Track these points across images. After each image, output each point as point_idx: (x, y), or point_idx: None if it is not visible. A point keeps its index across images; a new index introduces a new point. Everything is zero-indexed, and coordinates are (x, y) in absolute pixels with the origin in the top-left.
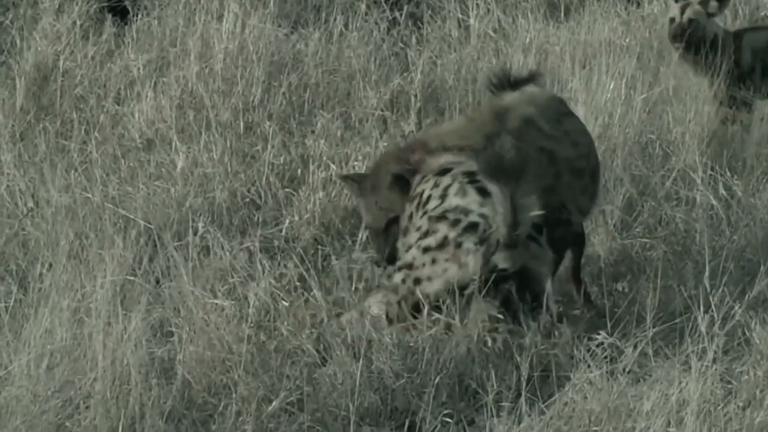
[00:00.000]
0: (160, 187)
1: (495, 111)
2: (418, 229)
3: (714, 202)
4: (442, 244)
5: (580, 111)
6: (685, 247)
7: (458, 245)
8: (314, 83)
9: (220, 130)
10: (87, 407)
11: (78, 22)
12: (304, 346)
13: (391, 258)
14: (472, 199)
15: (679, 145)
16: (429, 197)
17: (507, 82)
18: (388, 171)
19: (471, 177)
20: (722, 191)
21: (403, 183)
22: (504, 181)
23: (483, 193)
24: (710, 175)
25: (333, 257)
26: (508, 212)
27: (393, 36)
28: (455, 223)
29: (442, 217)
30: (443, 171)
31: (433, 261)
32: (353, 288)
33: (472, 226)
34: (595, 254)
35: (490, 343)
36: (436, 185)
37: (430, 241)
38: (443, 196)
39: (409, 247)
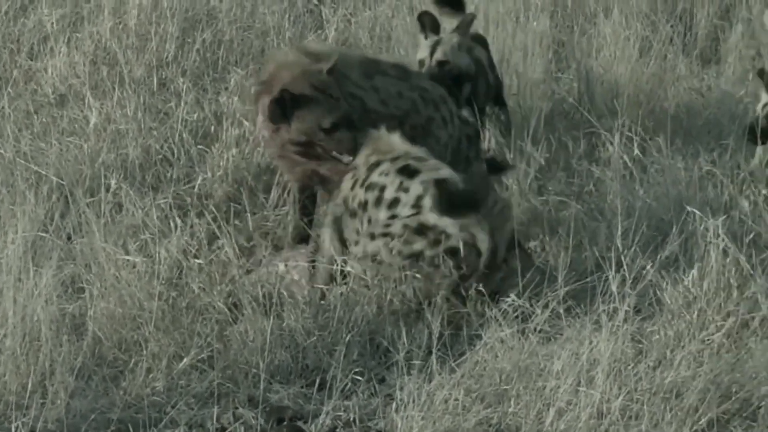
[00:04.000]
0: (72, 143)
1: None
2: (386, 226)
3: (628, 162)
4: (418, 258)
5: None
6: (597, 206)
7: (435, 266)
8: (228, 40)
9: (134, 87)
10: None
11: None
12: (215, 303)
13: None
14: (449, 222)
15: (595, 104)
16: (397, 200)
17: None
18: None
19: (443, 191)
20: (636, 151)
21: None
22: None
23: (460, 214)
24: (626, 135)
25: (247, 214)
26: (487, 238)
27: None
28: (435, 243)
29: (420, 232)
30: (409, 171)
31: (404, 268)
32: (266, 248)
33: (452, 252)
34: None
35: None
36: (403, 189)
37: (403, 248)
38: (417, 207)
39: (372, 237)
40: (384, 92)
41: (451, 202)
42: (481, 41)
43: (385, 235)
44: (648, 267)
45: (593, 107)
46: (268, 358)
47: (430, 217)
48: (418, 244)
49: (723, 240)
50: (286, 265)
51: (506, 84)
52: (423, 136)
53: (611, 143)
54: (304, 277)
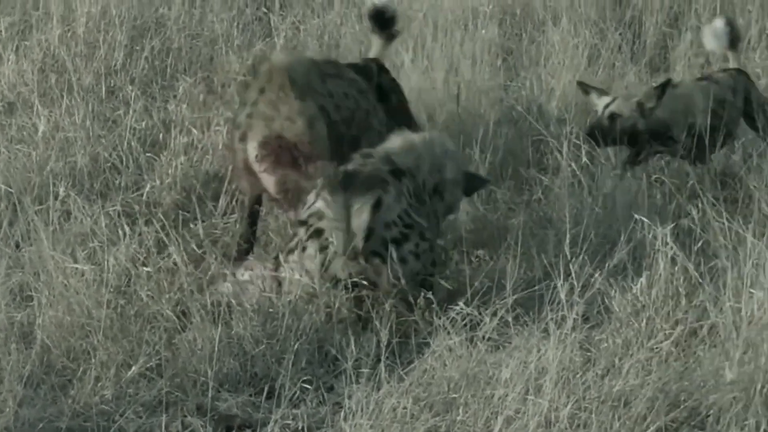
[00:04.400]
0: (21, 151)
1: None
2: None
3: (576, 170)
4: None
5: (440, 77)
6: (546, 214)
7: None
8: (177, 48)
9: (82, 94)
10: None
11: None
12: (163, 312)
13: None
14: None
15: (543, 112)
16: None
17: None
18: None
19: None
20: (585, 159)
21: None
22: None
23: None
24: (574, 143)
25: (197, 222)
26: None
27: (256, 1)
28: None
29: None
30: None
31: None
32: (215, 257)
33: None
34: (457, 221)
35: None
36: None
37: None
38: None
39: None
40: (336, 96)
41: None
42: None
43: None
44: (596, 275)
45: (541, 115)
46: (217, 366)
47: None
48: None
49: (671, 248)
50: (249, 275)
51: (454, 93)
52: (366, 129)
53: (560, 151)
54: (269, 287)
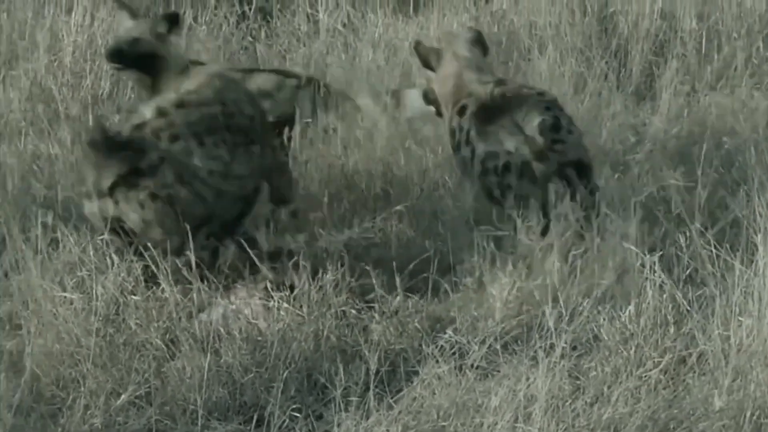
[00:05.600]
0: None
1: None
2: None
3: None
4: None
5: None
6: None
7: None
8: None
9: (70, 123)
10: None
11: None
12: (152, 340)
13: None
14: None
15: None
16: None
17: None
18: None
19: None
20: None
21: None
22: None
23: None
24: None
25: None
26: None
27: (242, 30)
28: None
29: None
30: None
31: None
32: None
33: None
34: (445, 248)
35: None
36: None
37: None
38: None
39: None
40: None
41: None
42: None
43: None
44: (585, 303)
45: None
46: (206, 394)
47: None
48: None
49: (659, 276)
50: (237, 303)
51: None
52: None
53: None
54: (260, 315)
